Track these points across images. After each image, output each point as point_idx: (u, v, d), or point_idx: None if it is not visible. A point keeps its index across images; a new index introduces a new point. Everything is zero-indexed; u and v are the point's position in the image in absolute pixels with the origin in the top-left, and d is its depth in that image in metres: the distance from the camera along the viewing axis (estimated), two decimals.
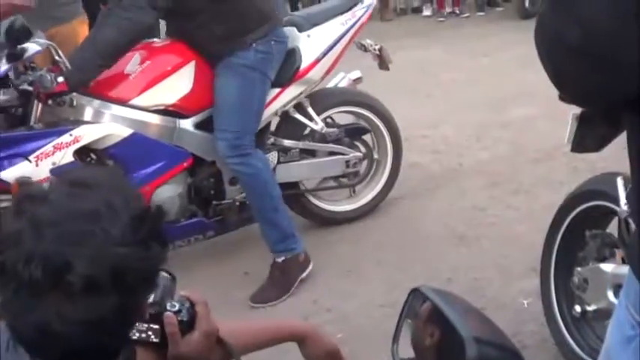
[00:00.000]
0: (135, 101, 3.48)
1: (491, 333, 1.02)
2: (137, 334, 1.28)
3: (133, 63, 3.50)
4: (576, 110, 2.63)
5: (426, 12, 9.77)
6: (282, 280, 3.59)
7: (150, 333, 1.29)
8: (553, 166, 4.49)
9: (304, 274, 3.64)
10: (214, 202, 3.75)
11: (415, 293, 1.11)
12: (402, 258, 3.77)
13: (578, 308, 2.70)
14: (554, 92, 2.68)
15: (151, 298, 1.27)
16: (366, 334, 3.19)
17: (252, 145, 3.56)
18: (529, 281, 3.31)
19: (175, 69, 3.55)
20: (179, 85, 3.56)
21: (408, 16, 9.93)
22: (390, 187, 4.27)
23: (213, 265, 3.87)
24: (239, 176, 3.59)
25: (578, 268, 2.71)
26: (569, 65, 1.02)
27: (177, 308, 1.33)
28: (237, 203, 3.79)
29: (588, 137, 2.24)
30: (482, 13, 9.50)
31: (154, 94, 3.51)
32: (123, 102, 3.46)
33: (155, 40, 3.81)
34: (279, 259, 3.61)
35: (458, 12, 9.60)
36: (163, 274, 1.30)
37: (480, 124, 5.24)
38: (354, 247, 3.92)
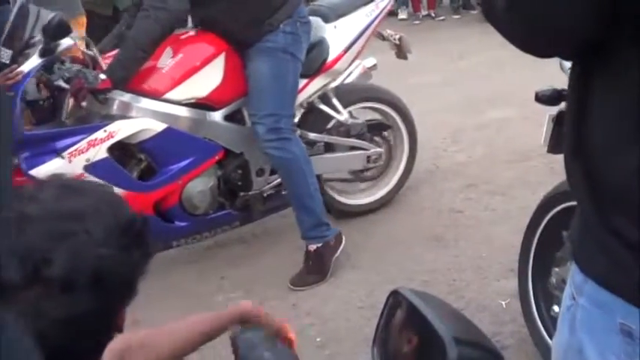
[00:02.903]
0: (168, 95, 3.48)
1: (471, 334, 1.02)
2: None
3: (165, 56, 3.50)
4: (552, 111, 2.66)
5: (402, 15, 9.79)
6: (318, 267, 3.64)
7: None
8: (530, 167, 4.51)
9: (337, 253, 3.68)
10: (241, 194, 3.78)
11: (394, 295, 1.10)
12: (380, 260, 3.77)
13: (556, 308, 2.68)
14: (530, 94, 2.72)
15: None
16: (345, 336, 3.19)
17: (290, 129, 3.57)
18: (507, 282, 3.32)
19: (207, 61, 3.56)
20: (210, 77, 3.57)
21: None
22: (404, 182, 4.34)
23: (189, 270, 3.85)
24: (276, 161, 3.60)
25: (556, 269, 2.69)
26: (508, 26, 1.09)
27: None
28: (264, 194, 3.82)
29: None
30: (457, 16, 9.54)
31: (187, 87, 3.52)
32: (156, 96, 3.46)
33: (185, 30, 3.80)
34: (312, 248, 3.64)
35: (433, 15, 9.65)
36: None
37: (456, 126, 5.25)
38: (343, 254, 3.85)
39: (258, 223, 4.02)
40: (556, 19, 1.02)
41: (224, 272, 3.79)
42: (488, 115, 5.44)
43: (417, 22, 9.52)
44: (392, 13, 9.84)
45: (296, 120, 3.91)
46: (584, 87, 1.11)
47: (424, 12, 9.71)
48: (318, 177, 3.89)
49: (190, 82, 3.52)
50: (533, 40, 1.08)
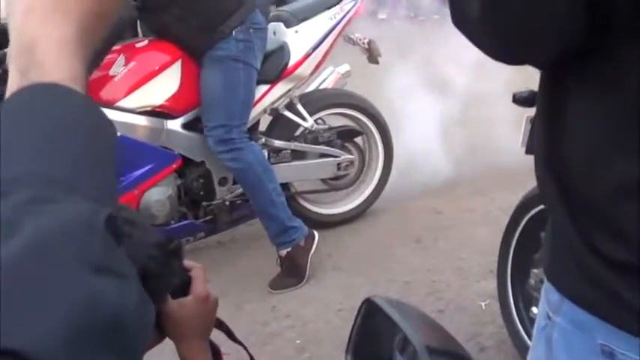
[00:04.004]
0: (121, 103, 3.43)
1: (445, 343, 1.01)
2: None
3: (117, 64, 3.44)
4: (530, 113, 2.66)
5: (381, 15, 9.79)
6: (293, 270, 3.62)
7: None
8: (510, 168, 4.47)
9: (311, 253, 3.64)
10: (204, 203, 3.72)
11: (367, 303, 1.09)
12: (360, 262, 3.76)
13: (535, 310, 2.66)
14: (510, 95, 2.71)
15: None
16: (325, 339, 3.18)
17: (242, 138, 3.53)
18: (487, 283, 3.32)
19: (162, 69, 3.52)
20: (166, 85, 3.52)
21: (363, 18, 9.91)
22: (380, 191, 4.26)
23: None
24: (232, 171, 3.58)
25: (535, 270, 2.70)
26: (480, 35, 1.01)
27: None
28: (228, 203, 3.76)
29: None
30: (437, 16, 9.52)
31: (141, 95, 3.47)
32: (109, 105, 3.39)
33: (137, 39, 3.75)
34: (282, 253, 3.61)
35: (413, 15, 9.63)
36: None
37: (437, 127, 5.24)
38: (319, 252, 3.83)
39: (234, 229, 3.98)
40: (537, 25, 0.94)
41: None
42: (470, 115, 5.42)
43: (396, 21, 9.50)
44: (371, 13, 9.85)
45: (262, 127, 3.90)
46: (557, 90, 1.03)
47: (404, 12, 9.69)
48: (285, 185, 3.85)
49: (145, 89, 3.48)
50: (509, 50, 1.00)
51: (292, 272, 3.63)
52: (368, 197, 4.25)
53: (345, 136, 4.11)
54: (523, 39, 0.97)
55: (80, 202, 0.59)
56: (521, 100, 2.63)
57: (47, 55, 0.69)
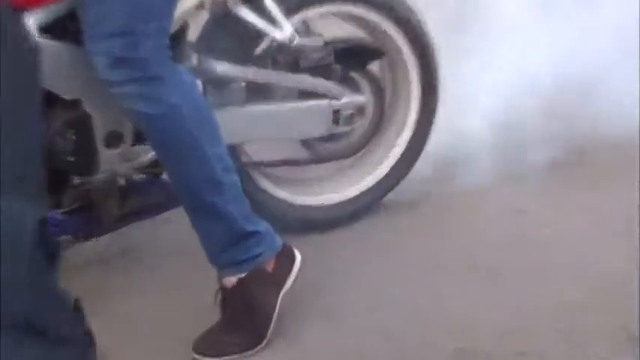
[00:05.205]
0: None
1: None
2: None
3: None
4: None
5: None
6: (248, 317, 3.29)
7: None
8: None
9: (284, 290, 3.32)
10: (77, 180, 3.43)
11: None
12: (371, 303, 3.44)
13: None
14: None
15: None
16: None
17: (160, 58, 3.16)
18: (619, 353, 3.02)
19: None
20: None
21: None
22: (413, 163, 4.06)
23: None
24: (138, 120, 3.22)
25: None
26: None
27: None
28: (122, 181, 3.53)
29: None
30: None
31: None
32: None
33: None
34: (229, 282, 3.26)
35: None
36: None
37: (514, 72, 4.98)
38: (300, 284, 3.51)
39: (130, 231, 3.65)
40: None
41: None
42: (567, 58, 5.15)
43: None
44: None
45: (193, 37, 3.63)
46: None
47: None
48: (233, 149, 3.51)
49: None
50: None
51: (244, 322, 3.25)
52: (386, 176, 4.01)
53: (352, 57, 3.79)
54: None
55: None
56: None
57: None
